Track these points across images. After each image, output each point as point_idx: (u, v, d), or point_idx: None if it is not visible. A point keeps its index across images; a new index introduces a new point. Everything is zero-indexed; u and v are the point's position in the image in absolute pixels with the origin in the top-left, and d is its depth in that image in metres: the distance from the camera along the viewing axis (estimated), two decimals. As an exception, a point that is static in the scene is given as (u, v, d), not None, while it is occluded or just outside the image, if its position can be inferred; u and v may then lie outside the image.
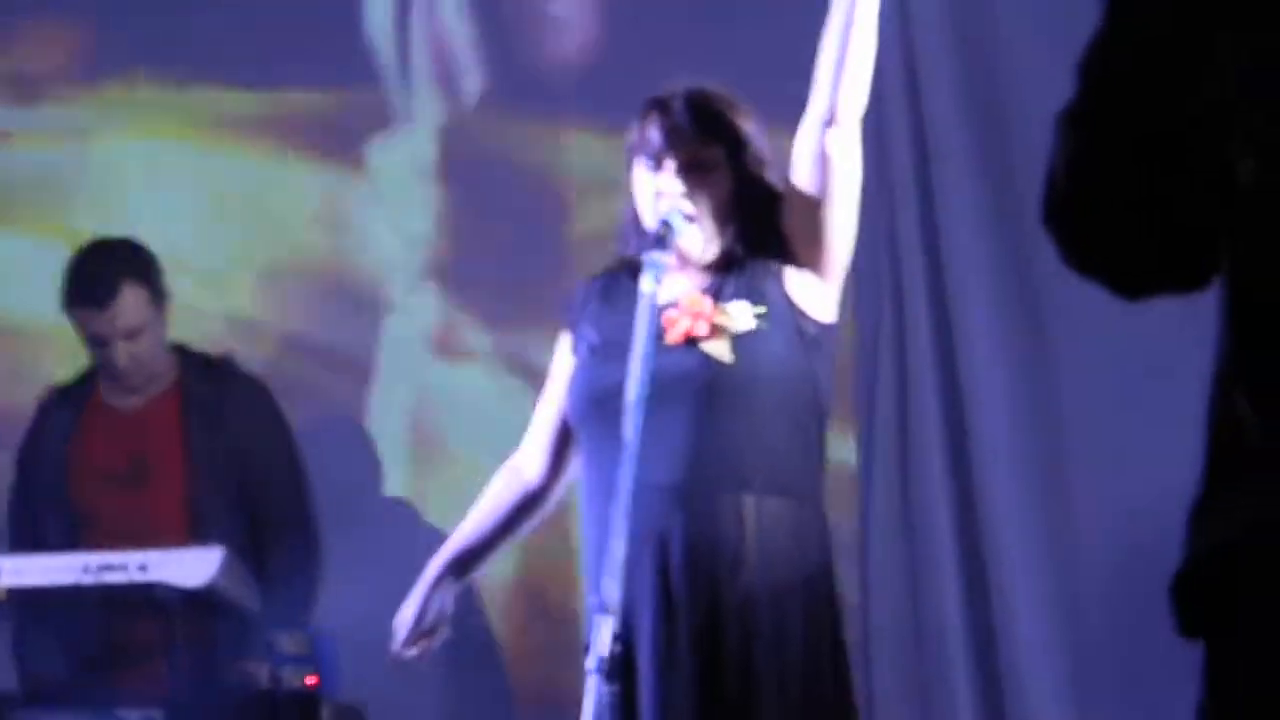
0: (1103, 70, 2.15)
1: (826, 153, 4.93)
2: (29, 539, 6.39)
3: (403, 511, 7.01)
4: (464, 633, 6.76)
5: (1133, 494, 6.39)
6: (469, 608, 7.11)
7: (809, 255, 4.97)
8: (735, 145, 5.07)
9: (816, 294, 5.00)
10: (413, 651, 5.21)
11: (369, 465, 7.44)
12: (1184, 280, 2.15)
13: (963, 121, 7.16)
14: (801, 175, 4.98)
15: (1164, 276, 2.16)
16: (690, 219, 4.95)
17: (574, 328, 5.15)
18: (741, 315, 4.88)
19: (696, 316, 4.87)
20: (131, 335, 6.36)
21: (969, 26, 7.21)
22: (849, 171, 4.99)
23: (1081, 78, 2.15)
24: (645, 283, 4.76)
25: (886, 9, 5.56)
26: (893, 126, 7.22)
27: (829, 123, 4.94)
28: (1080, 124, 2.14)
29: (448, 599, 5.21)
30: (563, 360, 5.17)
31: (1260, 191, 2.05)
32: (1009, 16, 7.00)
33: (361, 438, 7.49)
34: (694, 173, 5.00)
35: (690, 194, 4.98)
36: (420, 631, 5.18)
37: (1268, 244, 2.06)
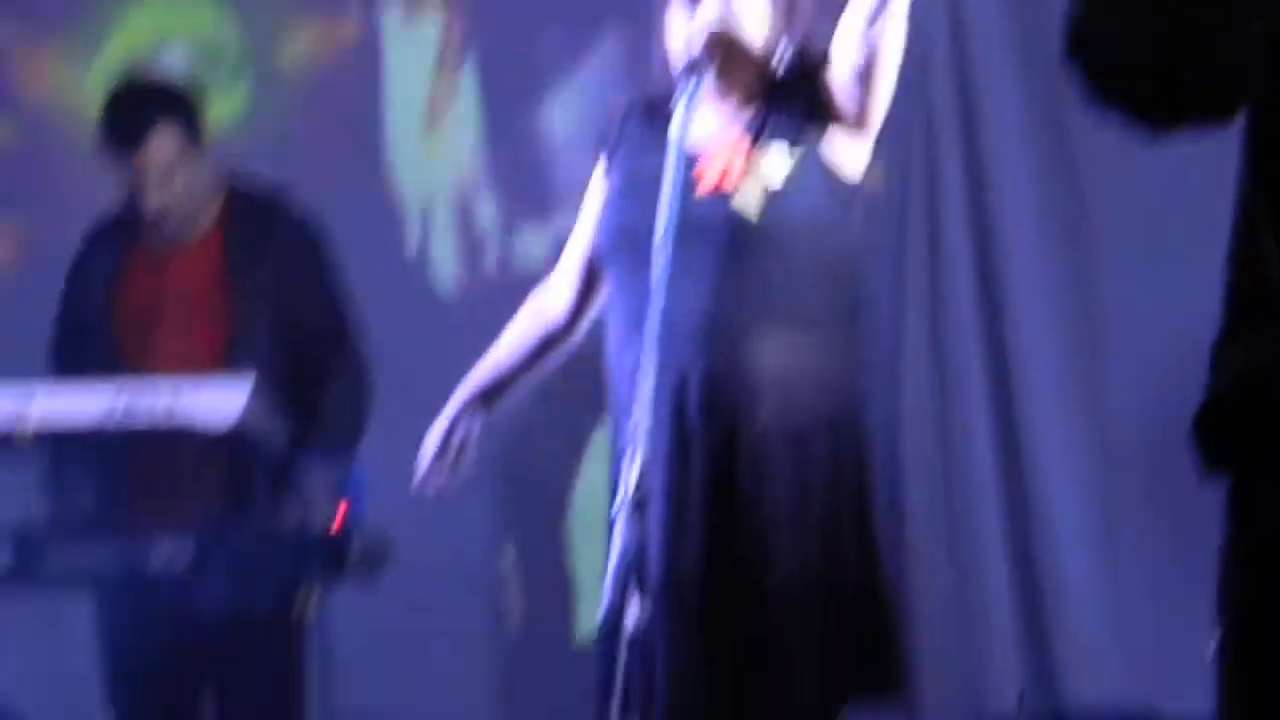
0: None
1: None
2: (71, 372, 6.34)
3: (452, 356, 7.06)
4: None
5: (1164, 337, 6.37)
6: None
7: (847, 110, 4.87)
8: None
9: (851, 150, 4.95)
10: (436, 482, 5.25)
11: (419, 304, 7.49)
12: (1208, 112, 2.11)
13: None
14: (848, 29, 4.85)
15: (1188, 107, 2.12)
16: (722, 60, 4.88)
17: (610, 154, 5.13)
18: (776, 161, 4.84)
19: (727, 168, 4.84)
20: (164, 176, 6.29)
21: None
22: (895, 28, 4.88)
23: None
24: (674, 128, 4.74)
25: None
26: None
27: None
28: None
29: (473, 430, 5.25)
30: (596, 188, 5.17)
31: None
32: None
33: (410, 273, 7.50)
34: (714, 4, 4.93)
35: (728, 29, 4.90)
36: (443, 462, 5.22)
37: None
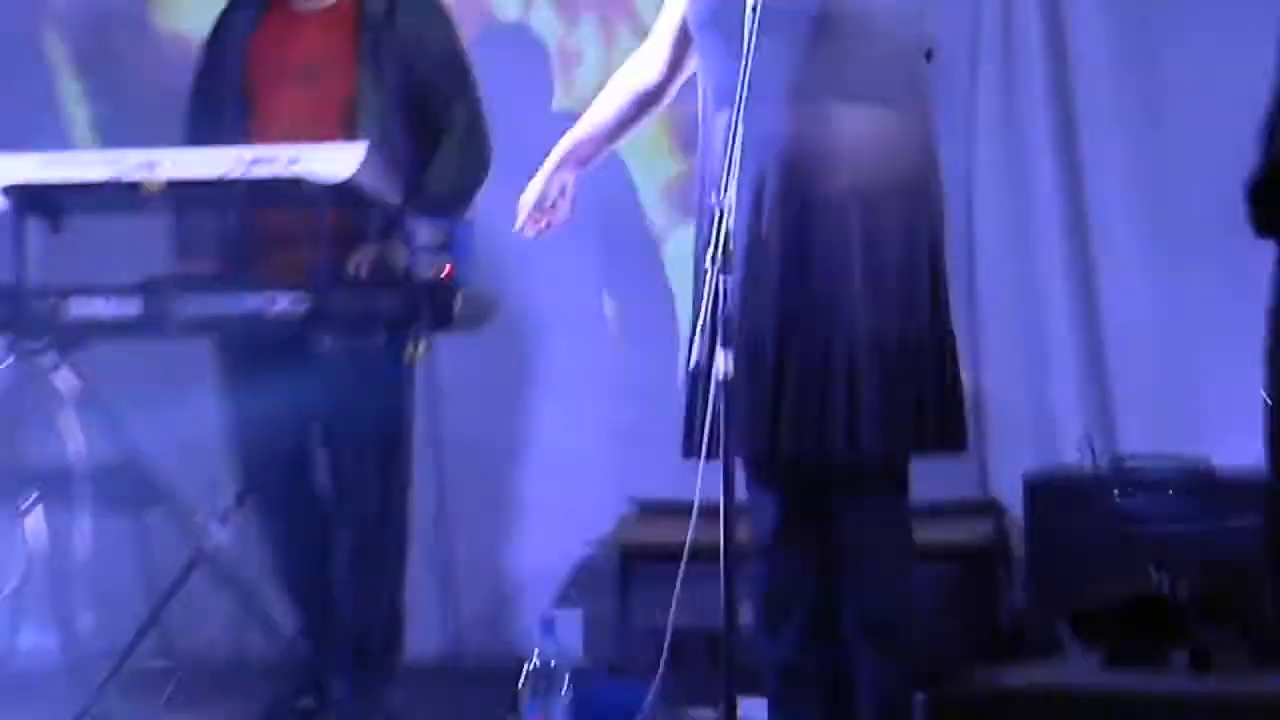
0: None
1: None
2: (206, 127, 6.44)
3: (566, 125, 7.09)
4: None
5: (1224, 106, 6.17)
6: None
7: None
8: None
9: None
10: (532, 230, 5.39)
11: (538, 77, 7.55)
12: None
13: None
14: None
15: None
16: None
17: None
18: None
19: None
20: None
21: None
22: None
23: None
24: None
25: None
26: None
27: None
28: None
29: (568, 182, 5.35)
30: None
31: None
32: None
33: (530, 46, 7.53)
34: None
35: None
36: (540, 210, 5.35)
37: None
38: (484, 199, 6.41)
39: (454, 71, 6.44)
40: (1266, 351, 1.88)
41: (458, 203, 6.30)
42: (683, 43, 5.21)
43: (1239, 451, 5.97)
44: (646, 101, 5.34)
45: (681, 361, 4.83)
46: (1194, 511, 6.05)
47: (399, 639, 6.31)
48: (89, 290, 5.98)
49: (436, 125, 6.36)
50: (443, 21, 6.50)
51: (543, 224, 5.39)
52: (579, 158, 5.38)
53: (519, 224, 5.39)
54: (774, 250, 4.91)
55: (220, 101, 6.50)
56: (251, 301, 5.90)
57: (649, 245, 7.56)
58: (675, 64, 5.26)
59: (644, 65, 5.33)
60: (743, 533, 4.77)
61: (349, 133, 6.15)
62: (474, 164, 6.41)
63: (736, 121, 4.65)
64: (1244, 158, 2.06)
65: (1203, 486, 6.28)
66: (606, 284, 7.45)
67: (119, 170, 5.92)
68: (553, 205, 5.37)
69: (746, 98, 4.65)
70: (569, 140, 5.36)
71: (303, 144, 5.94)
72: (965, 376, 5.20)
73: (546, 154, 5.40)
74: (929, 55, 5.04)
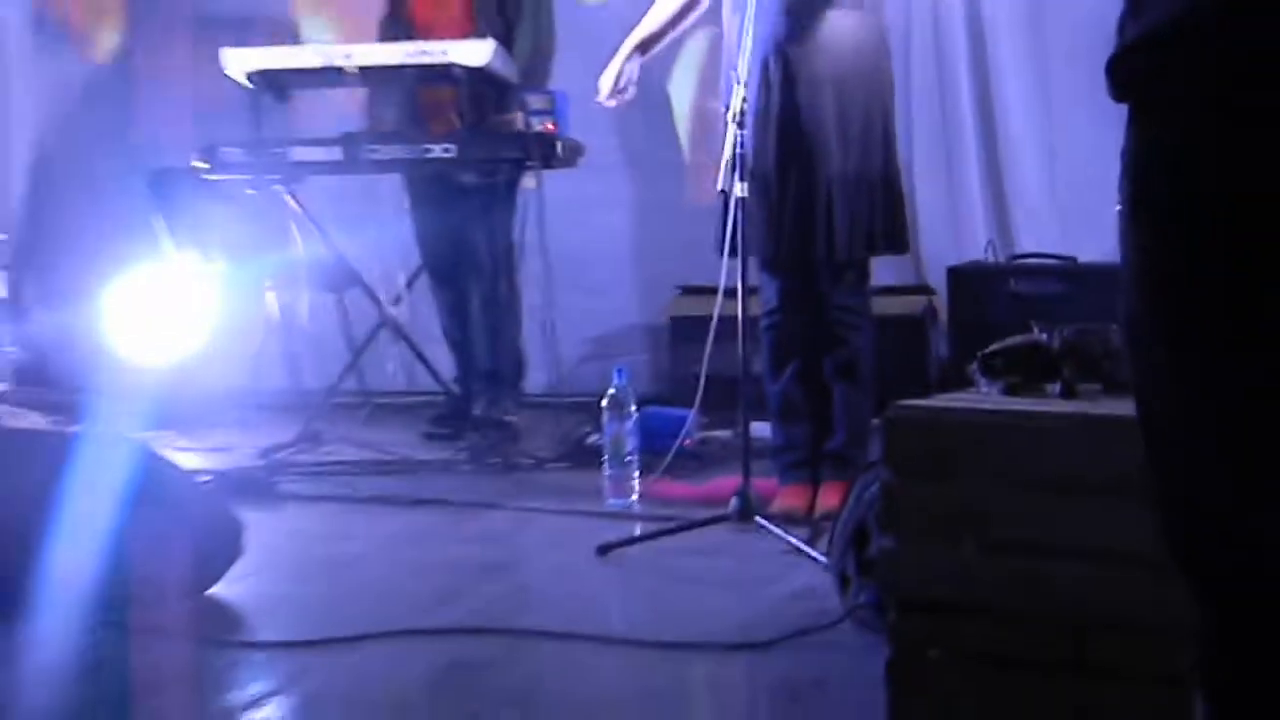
0: None
1: None
2: (389, 32, 6.40)
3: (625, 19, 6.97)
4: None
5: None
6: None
7: None
8: None
9: None
10: (611, 103, 5.28)
11: None
12: None
13: None
14: None
15: None
16: None
17: None
18: None
19: None
20: None
21: None
22: None
23: None
24: None
25: None
26: None
27: None
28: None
29: (634, 68, 5.25)
30: None
31: None
32: None
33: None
34: None
35: None
36: (616, 89, 5.24)
37: None
38: (576, 75, 6.11)
39: None
40: (1120, 181, 1.81)
41: (535, 71, 6.23)
42: None
43: (1102, 249, 6.01)
44: (691, 5, 5.21)
45: (718, 187, 4.73)
46: (1065, 291, 6.15)
47: (520, 374, 6.38)
48: (306, 141, 6.03)
49: (510, 14, 6.25)
50: None
51: (618, 99, 5.29)
52: (642, 50, 5.27)
53: (602, 97, 5.28)
54: (774, 112, 4.89)
55: (396, 21, 6.44)
56: (417, 149, 5.94)
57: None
58: None
59: None
60: (754, 307, 4.85)
61: (470, 31, 6.10)
62: (544, 51, 6.31)
63: (746, 22, 4.63)
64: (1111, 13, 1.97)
65: (1070, 273, 6.33)
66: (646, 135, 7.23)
67: (327, 58, 5.95)
68: (623, 87, 5.26)
69: (756, 8, 4.64)
70: (635, 37, 5.26)
71: (448, 40, 5.93)
72: (906, 198, 5.17)
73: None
74: None
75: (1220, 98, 1.86)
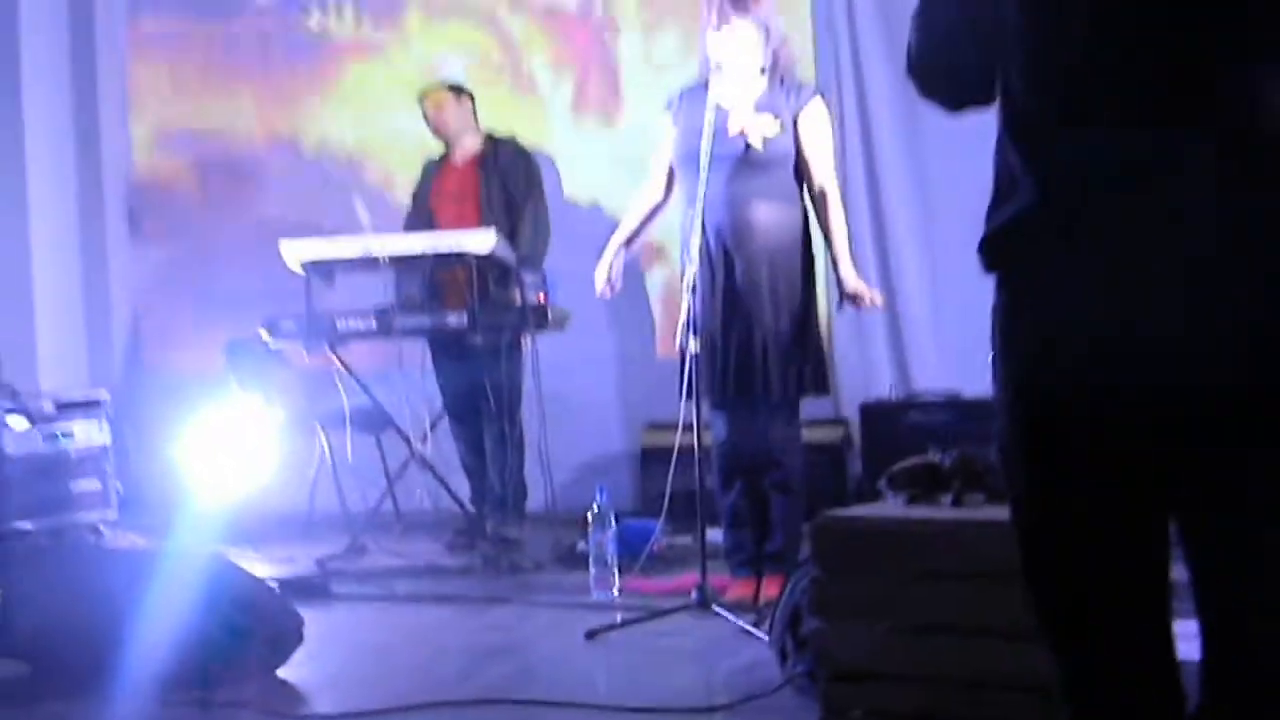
0: None
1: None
2: (413, 225, 6.45)
3: (598, 217, 6.99)
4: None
5: (972, 199, 6.13)
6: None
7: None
8: (759, 20, 4.88)
9: (807, 117, 4.92)
10: (607, 294, 5.28)
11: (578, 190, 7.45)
12: (980, 101, 2.01)
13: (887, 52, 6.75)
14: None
15: (969, 100, 2.03)
16: (729, 62, 4.83)
17: (674, 116, 5.02)
18: (767, 123, 4.82)
19: (744, 123, 4.80)
20: (440, 108, 6.41)
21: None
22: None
23: None
24: (710, 99, 4.73)
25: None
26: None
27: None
28: (920, 14, 2.02)
29: (620, 263, 5.24)
30: (667, 133, 5.06)
31: (1013, 44, 1.91)
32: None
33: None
34: (731, 33, 4.86)
35: (729, 48, 4.85)
36: (608, 280, 5.24)
37: (1014, 74, 1.92)
38: (562, 260, 6.27)
39: (529, 185, 6.37)
40: (991, 332, 1.81)
41: (535, 259, 6.23)
42: (670, 175, 5.10)
43: (980, 387, 5.97)
44: (655, 210, 5.22)
45: (676, 345, 4.79)
46: (952, 421, 6.13)
47: (522, 497, 6.31)
48: (347, 314, 6.00)
49: (516, 215, 6.28)
50: (522, 157, 6.45)
51: (610, 290, 5.28)
52: (626, 245, 5.27)
53: (598, 289, 5.27)
54: (720, 283, 4.90)
55: (418, 214, 6.50)
56: (436, 318, 5.95)
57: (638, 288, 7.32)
58: (667, 187, 5.14)
59: (651, 190, 5.21)
60: (707, 439, 4.85)
61: (477, 223, 6.13)
62: (540, 238, 6.31)
63: (695, 214, 4.69)
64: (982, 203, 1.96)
65: (956, 407, 6.32)
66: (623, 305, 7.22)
67: (364, 249, 5.92)
68: (613, 280, 5.25)
69: (704, 199, 4.69)
70: (618, 238, 5.25)
71: (460, 231, 5.95)
72: (826, 350, 5.18)
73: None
74: (800, 169, 4.96)
75: (1061, 273, 1.91)
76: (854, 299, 5.04)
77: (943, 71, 2.05)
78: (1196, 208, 1.79)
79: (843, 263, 5.02)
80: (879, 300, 5.24)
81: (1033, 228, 1.90)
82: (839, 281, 5.03)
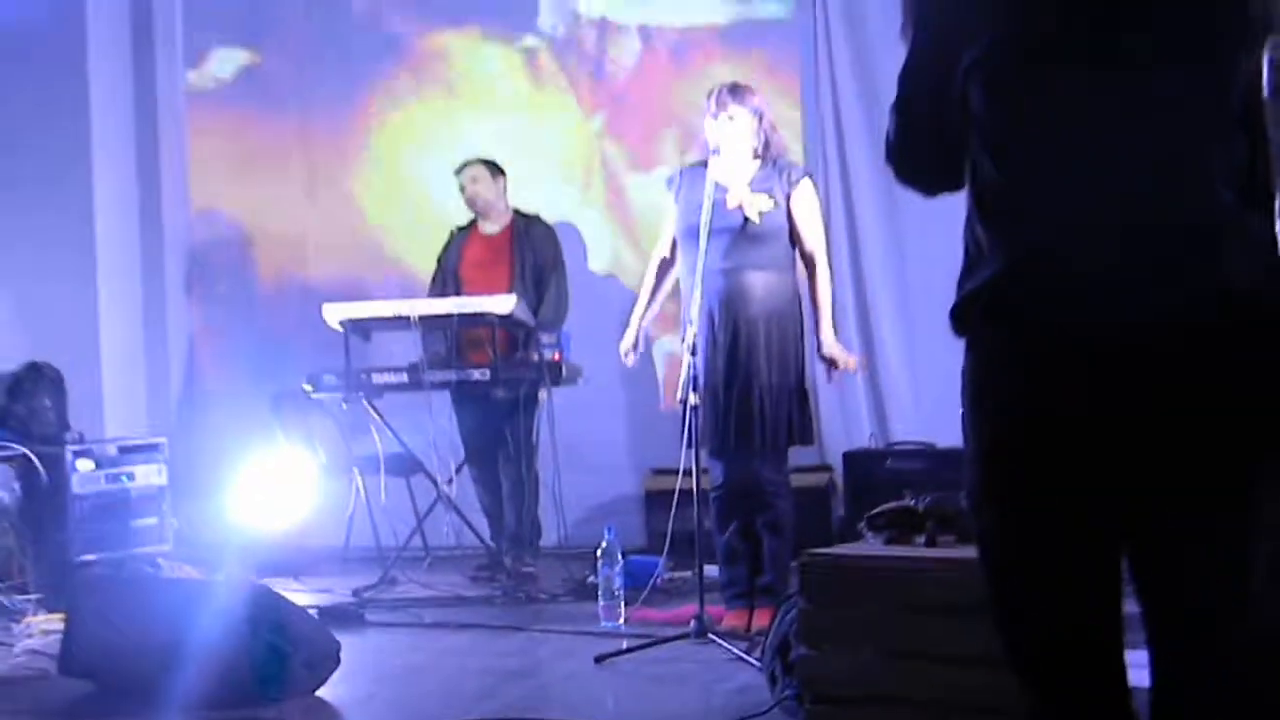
0: (902, 83, 2.02)
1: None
2: (439, 289, 6.41)
3: (611, 285, 7.00)
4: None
5: (946, 274, 6.11)
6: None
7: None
8: (754, 109, 4.92)
9: (803, 192, 4.94)
10: (630, 360, 5.29)
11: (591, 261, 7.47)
12: (950, 187, 2.02)
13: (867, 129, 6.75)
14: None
15: (941, 187, 2.04)
16: (727, 145, 4.86)
17: (675, 194, 5.03)
18: (763, 200, 4.83)
19: (741, 199, 4.82)
20: (485, 198, 6.38)
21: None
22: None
23: (898, 84, 2.03)
24: (709, 177, 4.77)
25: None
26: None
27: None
28: (896, 111, 2.03)
29: (642, 335, 5.27)
30: (669, 208, 5.08)
31: (980, 137, 1.93)
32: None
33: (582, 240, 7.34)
34: (729, 120, 4.89)
35: (727, 133, 4.89)
36: (634, 346, 5.25)
37: (982, 158, 1.92)
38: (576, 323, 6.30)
39: (553, 259, 6.35)
40: (961, 391, 1.80)
41: (557, 323, 6.21)
42: (674, 246, 5.11)
43: (953, 438, 5.98)
44: (665, 273, 5.19)
45: (678, 399, 4.79)
46: (927, 468, 6.08)
47: (538, 535, 6.29)
48: (381, 369, 6.01)
49: (544, 286, 6.28)
50: (550, 235, 6.43)
51: (634, 356, 5.30)
52: (647, 319, 5.27)
53: (624, 356, 5.28)
54: (721, 343, 4.89)
55: (445, 278, 6.47)
56: (462, 373, 5.93)
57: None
58: (672, 255, 5.13)
59: (660, 256, 5.21)
60: (705, 483, 4.85)
61: (508, 291, 6.09)
62: (563, 306, 6.30)
63: (696, 282, 4.69)
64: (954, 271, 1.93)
65: (931, 455, 6.28)
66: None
67: (397, 310, 5.93)
68: (638, 347, 5.28)
69: (703, 269, 4.70)
70: (639, 310, 5.25)
71: (485, 296, 5.96)
72: (812, 403, 5.18)
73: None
74: (793, 241, 4.97)
75: (1022, 338, 1.92)
76: (830, 362, 5.05)
77: (918, 162, 2.07)
78: (1147, 282, 1.82)
79: (824, 328, 5.02)
80: (853, 365, 5.21)
81: (998, 296, 1.92)
82: (818, 345, 5.03)
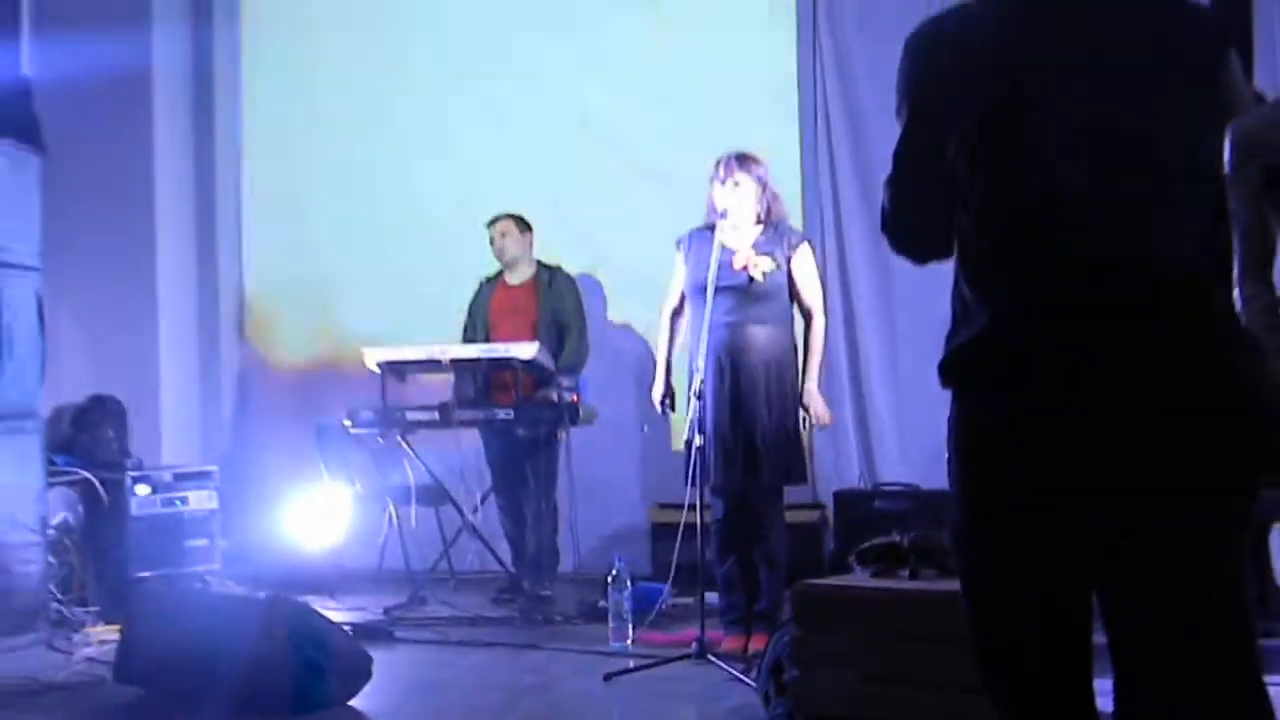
0: (896, 160, 2.00)
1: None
2: (469, 335, 6.42)
3: (627, 334, 6.97)
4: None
5: (935, 323, 6.04)
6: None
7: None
8: (758, 177, 4.94)
9: (797, 261, 4.94)
10: (662, 407, 5.23)
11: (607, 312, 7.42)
12: (941, 256, 2.01)
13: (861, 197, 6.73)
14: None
15: (932, 257, 2.03)
16: (733, 210, 4.88)
17: (685, 254, 5.01)
18: (766, 262, 4.84)
19: (746, 260, 4.83)
20: (505, 236, 6.35)
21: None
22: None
23: (892, 161, 2.02)
24: (717, 239, 4.77)
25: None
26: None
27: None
28: (890, 186, 2.02)
29: (669, 384, 5.19)
30: (679, 267, 5.05)
31: (965, 204, 1.93)
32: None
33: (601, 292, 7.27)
34: (735, 187, 4.92)
35: (733, 199, 4.90)
36: (665, 395, 5.18)
37: (967, 224, 1.92)
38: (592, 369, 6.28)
39: (574, 309, 6.33)
40: (947, 432, 1.81)
41: (577, 368, 6.19)
42: (682, 301, 5.11)
43: (936, 481, 5.95)
44: (677, 326, 5.15)
45: (683, 440, 4.79)
46: (911, 508, 6.02)
47: (555, 562, 6.24)
48: (415, 407, 5.96)
49: (565, 332, 6.26)
50: (572, 286, 6.40)
51: (663, 406, 5.23)
52: (667, 364, 5.21)
53: (656, 405, 5.23)
54: (727, 390, 4.88)
55: (475, 325, 6.46)
56: (488, 412, 5.89)
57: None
58: (681, 309, 5.13)
59: (670, 309, 5.17)
60: (707, 518, 4.82)
61: (533, 338, 6.06)
62: (583, 352, 6.28)
63: (703, 335, 4.71)
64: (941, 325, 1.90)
65: (915, 496, 6.23)
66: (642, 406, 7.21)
67: (429, 354, 5.93)
68: (666, 396, 5.21)
69: (709, 322, 4.71)
70: (661, 361, 5.21)
71: (511, 343, 5.94)
72: (807, 446, 5.16)
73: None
74: (792, 298, 4.98)
75: (1004, 391, 1.92)
76: (805, 409, 5.01)
77: (910, 234, 2.06)
78: (1118, 341, 1.82)
79: (809, 378, 5.00)
80: (826, 421, 5.13)
81: (982, 353, 1.92)
82: (800, 394, 5.00)
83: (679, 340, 5.21)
